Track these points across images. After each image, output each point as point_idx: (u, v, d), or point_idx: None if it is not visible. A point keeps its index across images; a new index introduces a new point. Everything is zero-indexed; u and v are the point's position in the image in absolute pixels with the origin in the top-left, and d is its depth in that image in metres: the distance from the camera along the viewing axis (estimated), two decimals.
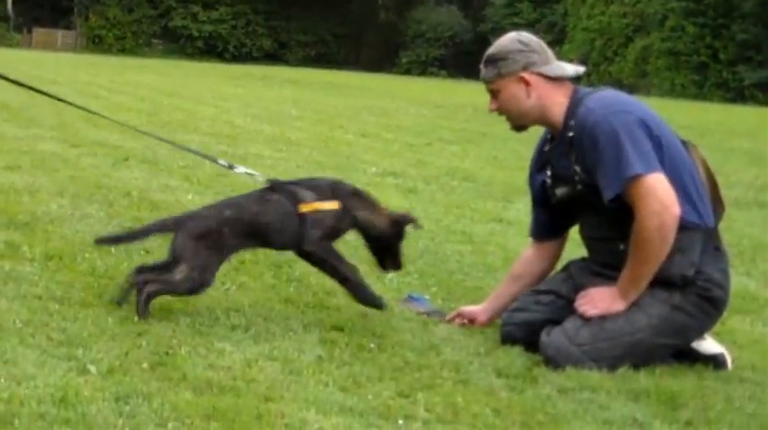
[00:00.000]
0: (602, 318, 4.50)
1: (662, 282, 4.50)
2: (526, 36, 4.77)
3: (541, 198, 4.91)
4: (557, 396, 4.09)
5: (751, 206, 9.98)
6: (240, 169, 5.26)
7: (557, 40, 56.06)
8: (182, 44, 61.05)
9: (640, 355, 4.48)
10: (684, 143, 4.67)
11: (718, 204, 4.72)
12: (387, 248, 4.95)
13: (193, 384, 3.84)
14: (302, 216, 4.70)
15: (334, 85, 33.45)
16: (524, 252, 5.22)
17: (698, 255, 4.50)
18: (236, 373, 4.01)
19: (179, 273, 4.56)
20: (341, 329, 4.70)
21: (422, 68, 60.05)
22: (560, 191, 4.72)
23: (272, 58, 60.52)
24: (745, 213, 9.40)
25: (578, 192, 4.62)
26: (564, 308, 4.68)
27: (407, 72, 59.16)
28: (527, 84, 4.63)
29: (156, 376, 3.90)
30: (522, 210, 8.88)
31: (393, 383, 4.06)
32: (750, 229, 8.70)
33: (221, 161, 5.40)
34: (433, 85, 41.17)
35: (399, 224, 4.90)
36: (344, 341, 4.53)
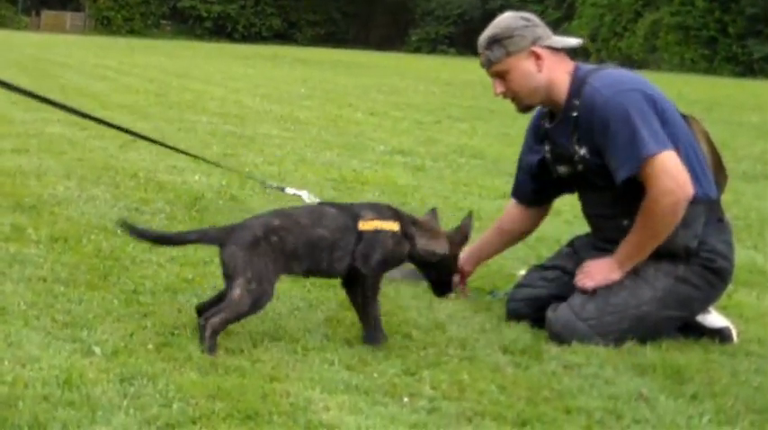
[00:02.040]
0: (608, 292, 4.50)
1: (666, 254, 4.50)
2: (523, 13, 4.76)
3: (537, 169, 4.91)
4: (562, 371, 4.08)
5: (759, 179, 9.95)
6: (290, 190, 4.99)
7: (566, 16, 55.95)
8: (190, 25, 61.02)
9: (647, 328, 4.48)
10: (685, 117, 4.66)
11: (721, 176, 4.72)
12: (443, 272, 4.56)
13: (198, 365, 3.83)
14: (360, 234, 4.27)
15: (344, 63, 33.42)
16: (509, 208, 5.21)
17: (701, 227, 4.50)
18: (242, 353, 4.01)
19: (236, 290, 4.07)
20: (346, 308, 4.69)
21: (431, 46, 59.93)
22: (561, 169, 4.71)
23: (281, 37, 60.45)
24: (753, 186, 9.38)
25: (579, 172, 4.62)
26: (569, 283, 4.68)
27: (417, 50, 59.05)
28: (537, 57, 4.60)
29: (162, 357, 3.90)
30: None
31: (399, 361, 4.06)
32: (758, 202, 8.68)
33: (271, 183, 5.09)
34: (442, 63, 41.09)
35: (457, 245, 4.56)
36: (350, 320, 4.53)
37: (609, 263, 4.55)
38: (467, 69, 33.68)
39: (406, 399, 3.66)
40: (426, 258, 4.44)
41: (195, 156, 5.87)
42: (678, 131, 4.49)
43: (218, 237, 4.21)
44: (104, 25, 60.45)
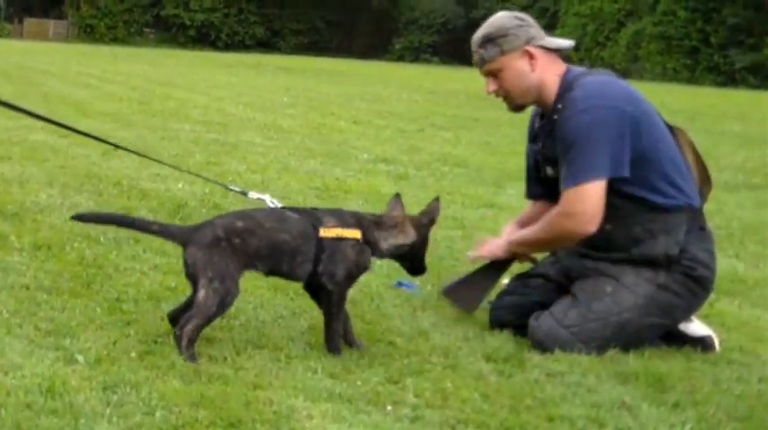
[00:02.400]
0: (590, 299, 4.51)
1: (647, 261, 4.52)
2: (517, 12, 4.77)
3: (535, 169, 4.92)
4: (545, 380, 4.09)
5: (741, 188, 10.00)
6: (253, 195, 4.97)
7: (549, 26, 56.00)
8: (174, 33, 60.96)
9: (629, 335, 4.50)
10: (671, 128, 4.67)
11: (705, 186, 4.74)
12: (415, 257, 4.55)
13: (181, 373, 3.83)
14: (321, 241, 4.22)
15: (327, 72, 33.43)
16: (527, 209, 5.14)
17: (683, 235, 4.53)
18: (224, 362, 4.00)
19: (201, 291, 4.06)
20: None
21: (415, 55, 60.01)
22: (548, 170, 4.73)
23: (264, 46, 60.43)
24: (735, 196, 9.42)
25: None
26: (553, 291, 4.70)
27: (400, 59, 59.12)
28: (531, 57, 4.60)
29: (145, 365, 3.90)
30: (513, 195, 8.90)
31: (382, 369, 4.06)
32: (740, 212, 8.72)
33: (234, 187, 5.11)
34: (425, 72, 41.15)
35: (426, 227, 4.54)
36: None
37: (502, 242, 4.84)
38: (450, 78, 33.76)
39: (389, 408, 3.66)
40: (396, 253, 4.46)
41: (153, 160, 5.82)
42: (659, 145, 4.52)
43: (180, 236, 4.23)
44: (87, 33, 60.33)
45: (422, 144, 12.99)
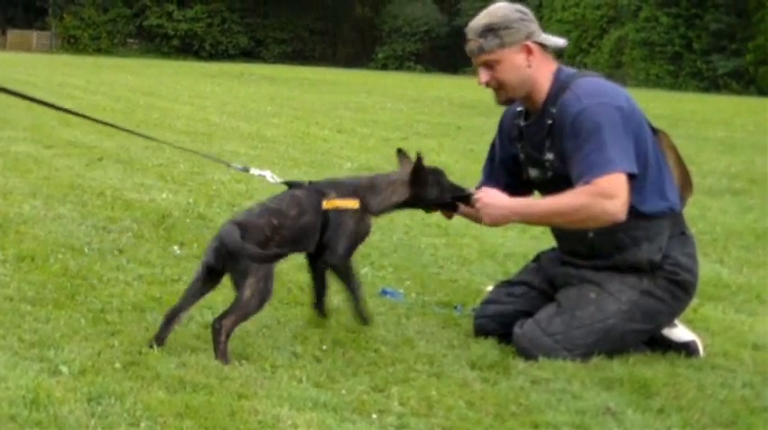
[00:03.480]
0: (574, 306, 4.52)
1: (630, 267, 4.53)
2: (518, 5, 4.72)
3: (509, 165, 4.87)
4: (530, 387, 4.10)
5: (724, 194, 10.03)
6: (254, 171, 4.99)
7: None
8: (157, 43, 60.90)
9: (614, 341, 4.50)
10: (655, 131, 4.68)
11: (687, 190, 4.76)
12: (429, 204, 4.77)
13: (166, 383, 3.83)
14: (326, 213, 4.48)
15: (311, 81, 33.43)
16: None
17: (666, 241, 4.54)
18: (210, 371, 4.00)
19: (247, 290, 4.21)
20: (314, 326, 4.70)
21: (398, 63, 60.04)
22: (533, 172, 4.72)
23: (248, 55, 60.40)
24: (719, 201, 9.44)
25: (549, 178, 4.63)
26: (536, 299, 4.70)
27: (384, 67, 59.14)
28: (529, 52, 4.58)
29: (129, 376, 3.89)
30: None
31: (367, 378, 4.06)
32: (723, 217, 8.74)
33: (236, 165, 5.14)
34: (408, 80, 41.18)
35: (421, 184, 4.64)
36: (318, 337, 4.53)
37: (507, 205, 4.51)
38: (433, 86, 33.80)
39: (374, 416, 3.66)
40: (395, 209, 4.70)
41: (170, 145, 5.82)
42: (647, 147, 4.53)
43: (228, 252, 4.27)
44: (71, 44, 60.21)
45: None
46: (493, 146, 5.01)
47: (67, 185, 8.58)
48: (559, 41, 4.72)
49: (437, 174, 4.69)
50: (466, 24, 5.07)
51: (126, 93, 22.39)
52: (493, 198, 4.53)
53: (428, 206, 4.82)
